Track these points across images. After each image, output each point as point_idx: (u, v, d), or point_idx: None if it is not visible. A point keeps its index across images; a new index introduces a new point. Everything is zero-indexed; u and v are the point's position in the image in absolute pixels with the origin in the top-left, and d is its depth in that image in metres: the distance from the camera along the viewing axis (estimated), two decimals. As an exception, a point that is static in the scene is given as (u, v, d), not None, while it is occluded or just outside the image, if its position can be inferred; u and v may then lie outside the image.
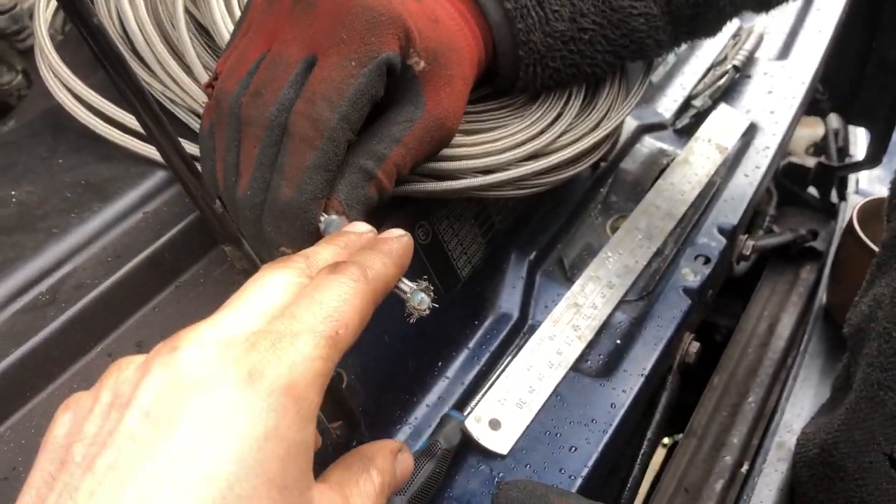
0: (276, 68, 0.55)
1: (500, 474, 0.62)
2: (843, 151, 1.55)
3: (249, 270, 0.47)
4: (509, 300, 0.75)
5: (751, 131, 0.93)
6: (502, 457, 0.63)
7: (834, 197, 1.47)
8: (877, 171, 1.50)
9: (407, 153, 0.57)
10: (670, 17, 0.71)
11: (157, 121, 0.41)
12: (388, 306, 0.65)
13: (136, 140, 0.64)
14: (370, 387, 0.63)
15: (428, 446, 0.62)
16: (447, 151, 0.63)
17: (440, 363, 0.70)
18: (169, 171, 0.63)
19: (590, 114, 0.73)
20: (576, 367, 0.69)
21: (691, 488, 1.01)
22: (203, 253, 0.62)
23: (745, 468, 1.05)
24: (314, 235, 0.54)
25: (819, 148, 1.59)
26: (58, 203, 0.61)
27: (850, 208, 1.39)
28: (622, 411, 0.66)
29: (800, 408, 1.16)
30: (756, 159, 0.90)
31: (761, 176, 0.88)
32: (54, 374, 0.54)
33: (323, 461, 0.59)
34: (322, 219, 0.54)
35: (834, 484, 0.83)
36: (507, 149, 0.66)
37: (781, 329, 1.35)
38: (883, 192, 1.50)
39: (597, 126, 0.72)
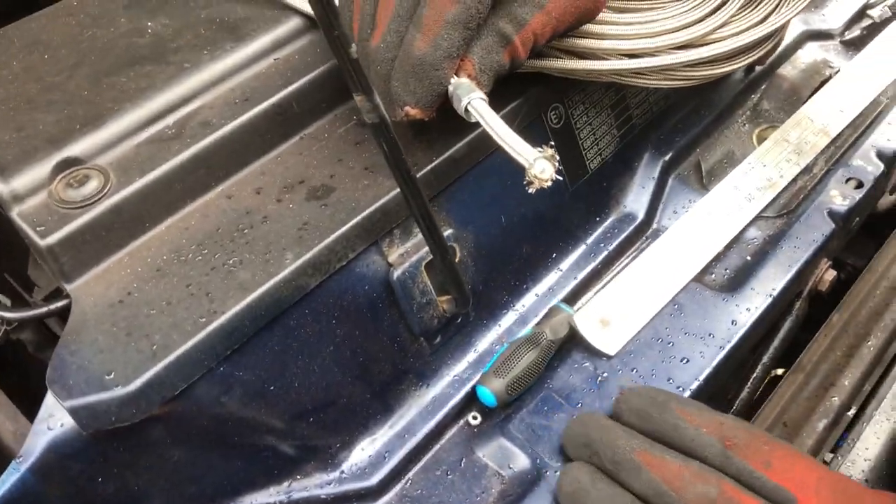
0: None
1: (605, 374, 0.60)
2: None
3: (377, 124, 0.45)
4: (636, 200, 0.71)
5: (932, 51, 0.83)
6: (609, 357, 0.61)
7: None
8: None
9: (548, 21, 0.53)
10: None
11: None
12: (507, 185, 0.62)
13: (273, -18, 0.62)
14: (481, 266, 0.61)
15: (533, 334, 0.60)
16: (592, 28, 0.58)
17: (555, 254, 0.67)
18: (304, 17, 0.61)
19: (756, 6, 0.66)
20: (699, 278, 0.65)
21: (791, 423, 0.96)
22: (330, 108, 0.60)
23: (852, 412, 1.00)
24: (442, 97, 0.52)
25: None
26: (191, 38, 0.60)
27: None
28: (743, 330, 0.62)
29: (928, 360, 1.09)
30: (932, 82, 0.81)
31: (935, 101, 0.79)
32: (173, 208, 0.54)
33: (427, 334, 0.58)
34: (453, 80, 0.51)
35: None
36: (659, 33, 0.60)
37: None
38: None
39: (762, 21, 0.65)
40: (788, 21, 0.67)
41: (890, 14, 0.86)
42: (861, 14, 0.88)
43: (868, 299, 1.22)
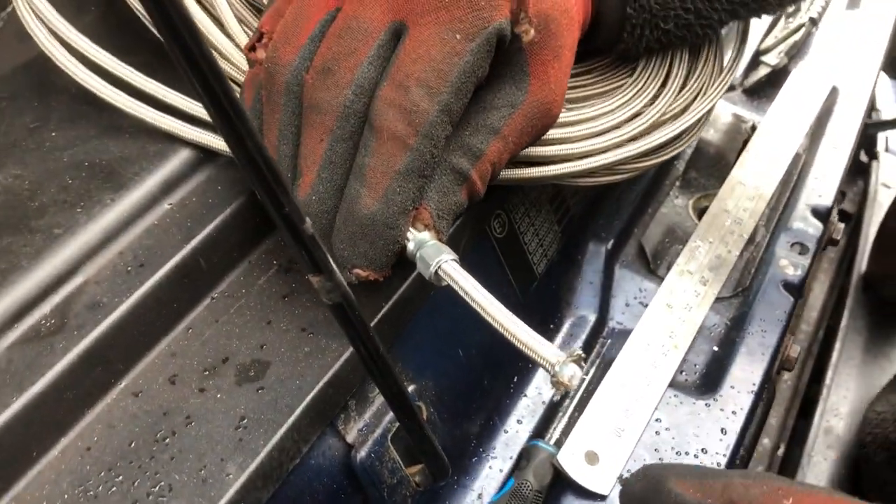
0: (351, 37, 0.42)
1: (603, 519, 0.52)
2: (870, 106, 1.46)
3: (340, 305, 0.36)
4: (587, 298, 0.64)
5: (832, 95, 0.83)
6: (604, 497, 0.53)
7: (862, 155, 1.38)
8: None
9: (505, 147, 0.45)
10: None
11: (228, 99, 0.28)
12: (460, 313, 0.54)
13: (150, 108, 0.51)
14: (446, 415, 0.53)
15: (516, 488, 0.52)
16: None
17: (516, 378, 0.59)
18: (196, 148, 0.50)
19: (688, 87, 0.61)
20: (672, 382, 0.59)
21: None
22: (243, 255, 0.50)
23: (781, 451, 0.98)
24: (398, 255, 0.43)
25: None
26: (56, 192, 0.48)
27: (883, 168, 1.31)
28: (735, 438, 0.56)
29: (845, 389, 1.09)
30: (842, 128, 0.79)
31: (852, 148, 0.77)
32: (67, 424, 0.42)
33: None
34: (410, 236, 0.43)
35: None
36: (607, 129, 0.54)
37: (813, 299, 1.27)
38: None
39: (692, 103, 0.60)
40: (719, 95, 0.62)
41: (787, 60, 0.84)
42: (756, 62, 0.86)
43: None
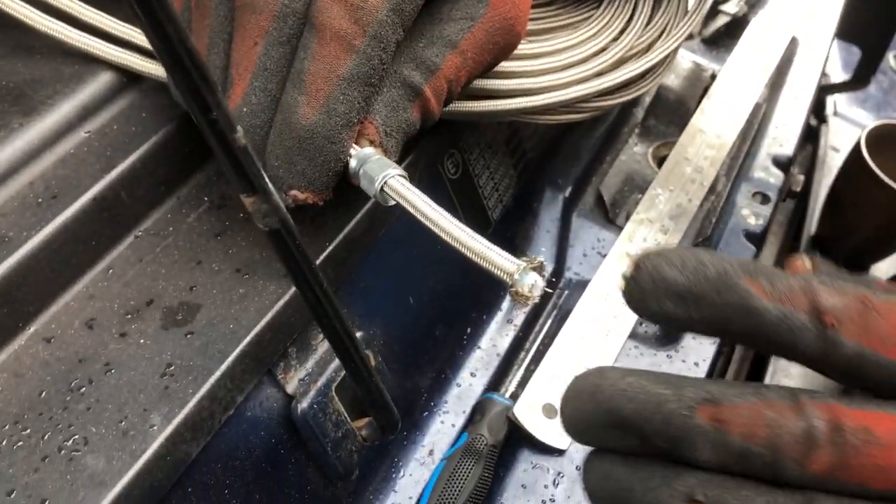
0: None
1: (562, 475, 0.49)
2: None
3: (277, 231, 0.31)
4: (543, 248, 0.61)
5: (792, 45, 0.80)
6: (562, 451, 0.50)
7: (811, 119, 1.38)
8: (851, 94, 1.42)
9: (463, 64, 0.41)
10: None
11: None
12: (413, 255, 0.50)
13: (66, 26, 0.45)
14: (396, 365, 0.49)
15: (470, 442, 0.49)
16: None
17: (469, 329, 0.56)
18: (118, 70, 0.45)
19: (653, 24, 0.58)
20: (633, 334, 0.57)
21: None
22: (170, 190, 0.45)
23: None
24: (340, 174, 0.39)
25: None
26: (-43, 116, 0.42)
27: (832, 132, 1.30)
28: (697, 390, 0.54)
29: (796, 350, 1.09)
30: (802, 78, 0.77)
31: (812, 98, 0.75)
32: (-33, 372, 0.37)
33: (346, 475, 0.45)
34: (353, 152, 0.39)
35: None
36: (570, 65, 0.50)
37: (765, 259, 1.26)
38: (861, 115, 1.41)
39: (656, 41, 0.57)
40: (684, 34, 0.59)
41: (746, 9, 0.82)
42: (715, 10, 0.83)
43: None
